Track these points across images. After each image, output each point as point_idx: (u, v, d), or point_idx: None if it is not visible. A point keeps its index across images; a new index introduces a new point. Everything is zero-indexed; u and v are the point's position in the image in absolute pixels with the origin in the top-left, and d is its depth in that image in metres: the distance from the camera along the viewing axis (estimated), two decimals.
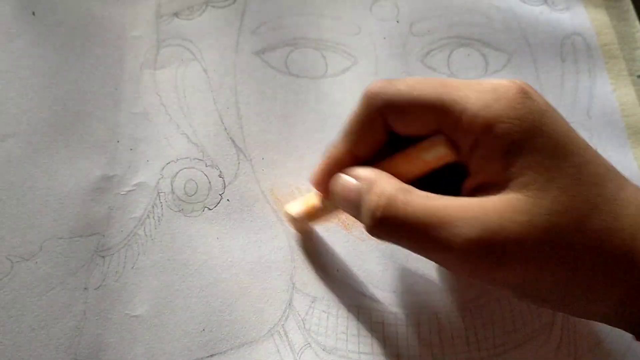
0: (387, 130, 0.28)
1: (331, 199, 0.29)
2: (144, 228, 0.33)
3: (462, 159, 0.26)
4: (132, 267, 0.33)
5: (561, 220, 0.22)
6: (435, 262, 0.26)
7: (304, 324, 0.32)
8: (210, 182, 0.35)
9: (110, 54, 0.38)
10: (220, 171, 0.35)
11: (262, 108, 0.37)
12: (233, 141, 0.36)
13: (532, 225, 0.22)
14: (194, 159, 0.36)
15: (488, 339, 0.32)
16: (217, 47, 0.39)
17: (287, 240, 0.34)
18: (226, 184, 0.35)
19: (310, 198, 0.32)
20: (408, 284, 0.33)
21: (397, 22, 0.41)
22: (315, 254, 0.34)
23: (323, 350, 0.31)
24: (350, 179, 0.27)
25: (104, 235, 0.33)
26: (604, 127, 0.39)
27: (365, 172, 0.27)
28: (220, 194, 0.35)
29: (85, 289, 0.32)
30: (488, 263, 0.23)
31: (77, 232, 0.33)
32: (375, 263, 0.34)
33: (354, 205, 0.27)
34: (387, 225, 0.24)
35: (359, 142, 0.28)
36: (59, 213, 0.33)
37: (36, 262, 0.32)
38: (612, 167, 0.25)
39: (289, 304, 0.32)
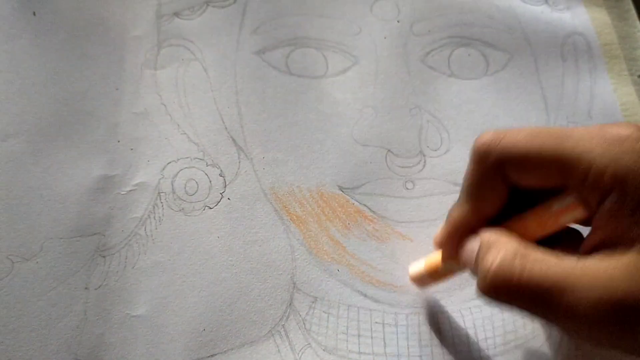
0: (508, 185, 0.26)
1: (456, 261, 0.28)
2: (145, 228, 0.33)
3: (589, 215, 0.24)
4: (133, 267, 0.33)
5: None
6: (557, 327, 0.25)
7: (304, 323, 0.32)
8: (210, 182, 0.35)
9: (110, 53, 0.38)
10: (221, 170, 0.35)
11: (263, 107, 0.37)
12: (234, 140, 0.36)
13: None
14: (195, 158, 0.36)
15: (488, 338, 0.32)
16: (218, 46, 0.39)
17: (288, 239, 0.34)
18: (227, 183, 0.35)
19: (433, 258, 0.31)
20: (408, 284, 0.33)
21: (398, 21, 0.41)
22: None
23: (323, 350, 0.31)
24: (473, 242, 0.26)
25: (104, 235, 0.33)
26: None
27: (486, 233, 0.26)
28: (221, 193, 0.35)
29: (86, 288, 0.32)
30: (618, 330, 0.21)
31: (78, 232, 0.33)
32: (376, 263, 0.34)
33: (473, 267, 0.26)
34: (499, 289, 0.23)
35: (480, 201, 0.26)
36: (60, 213, 0.33)
37: (37, 262, 0.32)
38: None
39: (290, 304, 0.32)
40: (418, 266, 0.31)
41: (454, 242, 0.28)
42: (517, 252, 0.23)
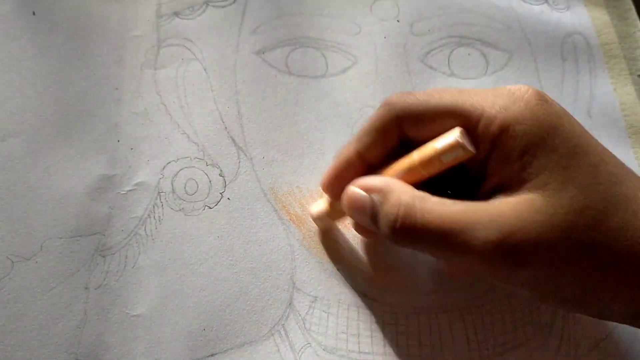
0: (400, 137, 0.28)
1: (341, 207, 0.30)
2: (145, 227, 0.34)
3: (480, 161, 0.26)
4: (133, 267, 0.33)
5: (579, 219, 0.22)
6: (457, 265, 0.27)
7: (304, 323, 0.32)
8: (210, 181, 0.35)
9: (110, 53, 0.38)
10: (221, 170, 0.35)
11: (263, 107, 0.37)
12: (233, 140, 0.36)
13: (550, 225, 0.22)
14: (195, 158, 0.36)
15: (488, 338, 0.32)
16: (218, 46, 0.39)
17: (287, 239, 0.34)
18: (227, 182, 0.35)
19: (326, 202, 0.32)
20: (408, 284, 0.33)
21: (398, 21, 0.41)
22: (325, 250, 0.34)
23: (323, 350, 0.31)
24: (361, 192, 0.27)
25: (104, 235, 0.33)
26: (605, 126, 0.39)
27: (378, 182, 0.27)
28: (220, 193, 0.35)
29: (85, 288, 0.32)
30: (507, 265, 0.23)
31: (78, 232, 0.33)
32: (376, 262, 0.34)
33: (368, 217, 0.27)
34: (407, 234, 0.25)
35: (371, 145, 0.28)
36: (60, 212, 0.33)
37: (37, 262, 0.32)
38: (628, 168, 0.25)
39: (290, 304, 0.32)
40: (317, 206, 0.33)
41: (340, 183, 0.29)
42: (415, 197, 0.25)
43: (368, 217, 0.27)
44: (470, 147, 0.25)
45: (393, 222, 0.25)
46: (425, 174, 0.27)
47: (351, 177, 0.29)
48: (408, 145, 0.28)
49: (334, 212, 0.32)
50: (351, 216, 0.29)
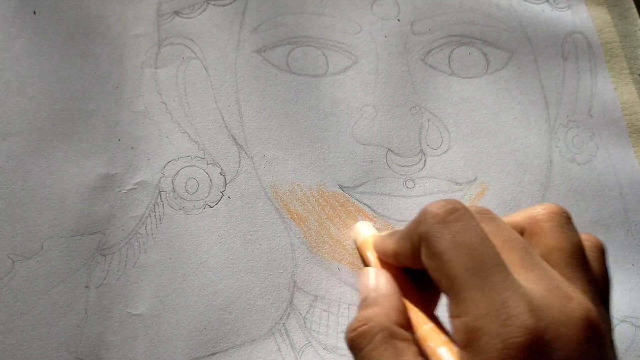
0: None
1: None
2: (145, 226, 0.34)
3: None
4: (134, 266, 0.33)
5: None
6: None
7: (305, 322, 0.32)
8: (211, 180, 0.35)
9: (111, 52, 0.38)
10: (222, 169, 0.35)
11: (263, 106, 0.37)
12: (234, 139, 0.36)
13: None
14: (195, 157, 0.36)
15: None
16: (218, 45, 0.39)
17: (288, 237, 0.34)
18: (227, 181, 0.35)
19: (369, 239, 0.31)
20: None
21: (398, 20, 0.41)
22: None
23: (324, 349, 0.31)
24: (369, 283, 0.27)
25: (105, 234, 0.33)
26: (605, 126, 0.39)
27: (380, 289, 0.26)
28: (221, 192, 0.35)
29: (86, 287, 0.32)
30: None
31: (78, 231, 0.33)
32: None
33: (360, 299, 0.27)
34: (350, 348, 0.24)
35: (404, 253, 0.26)
36: (60, 212, 0.33)
37: (37, 261, 0.32)
38: None
39: (290, 303, 0.32)
40: (363, 230, 0.32)
41: (375, 255, 0.28)
42: (387, 329, 0.24)
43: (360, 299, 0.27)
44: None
45: (349, 329, 0.24)
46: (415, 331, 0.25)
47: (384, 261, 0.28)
48: None
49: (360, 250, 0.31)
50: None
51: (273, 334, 0.32)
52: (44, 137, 0.35)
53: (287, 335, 0.32)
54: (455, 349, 0.22)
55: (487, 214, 0.24)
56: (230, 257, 0.33)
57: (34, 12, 0.38)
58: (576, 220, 0.36)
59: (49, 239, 0.33)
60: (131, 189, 0.34)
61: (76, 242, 0.33)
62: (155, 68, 0.38)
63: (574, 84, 0.40)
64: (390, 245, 0.27)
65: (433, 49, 0.40)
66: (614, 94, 0.40)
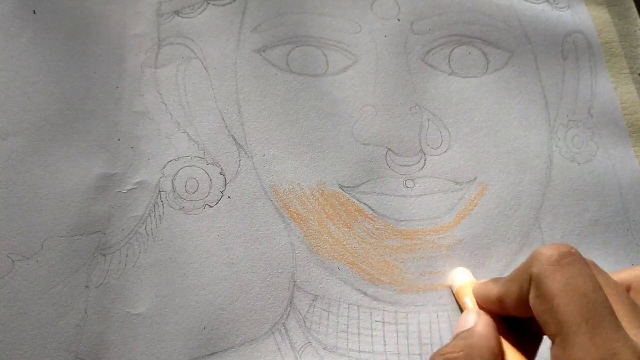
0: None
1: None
2: (145, 226, 0.34)
3: None
4: (133, 266, 0.33)
5: None
6: None
7: (304, 322, 0.32)
8: (211, 180, 0.35)
9: (111, 52, 0.38)
10: (221, 169, 0.35)
11: (263, 105, 0.37)
12: (234, 139, 0.36)
13: None
14: (195, 156, 0.36)
15: None
16: (218, 45, 0.39)
17: (288, 237, 0.34)
18: (227, 181, 0.35)
19: (469, 288, 0.31)
20: (408, 283, 0.33)
21: (398, 20, 0.41)
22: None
23: (324, 348, 0.31)
24: (468, 322, 0.27)
25: (105, 234, 0.33)
26: (605, 125, 0.39)
27: (479, 328, 0.26)
28: (221, 192, 0.35)
29: (86, 287, 0.32)
30: None
31: (78, 231, 0.33)
32: (376, 262, 0.34)
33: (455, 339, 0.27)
34: None
35: (510, 296, 0.26)
36: (60, 211, 0.33)
37: (37, 261, 0.32)
38: None
39: (290, 302, 0.32)
40: (461, 278, 0.32)
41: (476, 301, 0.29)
42: None
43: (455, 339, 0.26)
44: None
45: (441, 352, 0.24)
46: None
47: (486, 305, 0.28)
48: None
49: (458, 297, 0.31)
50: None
51: (273, 333, 0.32)
52: (44, 137, 0.35)
53: (287, 334, 0.32)
54: None
55: (596, 265, 0.24)
56: (230, 256, 0.33)
57: (34, 12, 0.38)
58: (576, 220, 0.37)
59: (49, 238, 0.33)
60: (131, 189, 0.34)
61: (76, 241, 0.33)
62: (155, 68, 0.38)
63: (573, 84, 0.40)
64: (495, 289, 0.27)
65: (433, 48, 0.40)
66: (614, 93, 0.40)
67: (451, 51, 0.40)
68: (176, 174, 0.35)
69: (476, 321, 0.26)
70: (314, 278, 0.33)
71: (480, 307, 0.28)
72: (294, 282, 0.33)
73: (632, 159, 0.38)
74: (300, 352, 0.31)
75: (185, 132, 0.36)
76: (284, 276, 0.33)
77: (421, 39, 0.40)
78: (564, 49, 0.41)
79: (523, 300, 0.24)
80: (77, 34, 0.38)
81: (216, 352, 0.31)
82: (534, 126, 0.39)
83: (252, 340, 0.31)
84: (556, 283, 0.22)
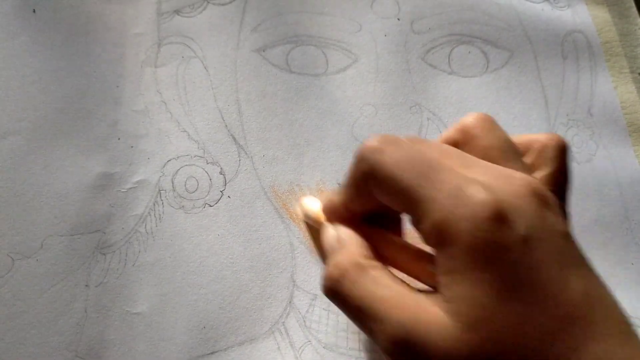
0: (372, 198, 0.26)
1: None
2: (145, 225, 0.34)
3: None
4: (133, 265, 0.33)
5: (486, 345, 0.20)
6: None
7: (304, 321, 0.32)
8: (211, 179, 0.35)
9: (111, 51, 0.38)
10: (221, 168, 0.35)
11: (263, 105, 0.37)
12: (234, 138, 0.36)
13: (452, 337, 0.20)
14: (195, 156, 0.36)
15: None
16: (218, 44, 0.39)
17: (288, 237, 0.34)
18: (227, 180, 0.35)
19: (317, 210, 0.30)
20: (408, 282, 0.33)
21: (398, 19, 0.41)
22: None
23: (324, 347, 0.31)
24: (329, 236, 0.27)
25: (104, 233, 0.33)
26: (605, 125, 0.39)
27: (342, 234, 0.26)
28: (221, 191, 0.35)
29: (86, 286, 0.32)
30: None
31: (78, 230, 0.33)
32: None
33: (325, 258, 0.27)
34: (330, 295, 0.24)
35: (353, 199, 0.27)
36: (60, 210, 0.33)
37: (37, 260, 0.32)
38: (604, 313, 0.21)
39: (290, 302, 0.32)
40: (310, 205, 0.31)
41: (328, 219, 0.28)
42: (356, 265, 0.24)
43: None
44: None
45: (324, 278, 0.24)
46: (387, 262, 0.26)
47: (339, 218, 0.28)
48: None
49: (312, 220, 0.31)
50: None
51: (273, 332, 0.32)
52: (44, 136, 0.35)
53: (287, 334, 0.32)
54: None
55: (416, 137, 0.26)
56: (230, 256, 0.33)
57: (34, 11, 0.38)
58: (576, 219, 0.37)
59: (49, 237, 0.33)
60: (131, 188, 0.34)
61: (76, 240, 0.33)
62: (155, 67, 0.38)
63: (573, 83, 0.40)
64: (337, 199, 0.28)
65: (433, 47, 0.40)
66: (614, 92, 0.40)
67: (451, 50, 0.40)
68: (176, 173, 0.35)
69: (335, 231, 0.27)
70: (313, 277, 0.33)
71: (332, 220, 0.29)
72: (294, 281, 0.33)
73: (632, 158, 0.38)
74: (300, 351, 0.31)
75: (185, 131, 0.36)
76: (283, 276, 0.33)
77: (421, 38, 0.40)
78: (564, 48, 0.41)
79: (364, 196, 0.25)
80: (77, 33, 0.39)
81: (216, 352, 0.31)
82: (534, 125, 0.39)
83: (252, 339, 0.31)
84: (386, 164, 0.23)
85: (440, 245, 0.21)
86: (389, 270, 0.24)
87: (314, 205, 0.31)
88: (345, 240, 0.26)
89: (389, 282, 0.23)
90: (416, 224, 0.23)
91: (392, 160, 0.23)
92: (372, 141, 0.24)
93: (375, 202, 0.25)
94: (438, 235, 0.21)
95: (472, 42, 0.41)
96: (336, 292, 0.24)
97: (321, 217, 0.30)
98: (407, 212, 0.23)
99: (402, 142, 0.24)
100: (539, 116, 0.39)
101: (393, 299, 0.23)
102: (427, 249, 0.23)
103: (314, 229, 0.31)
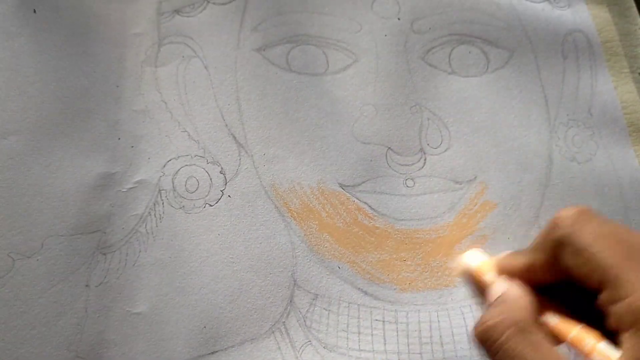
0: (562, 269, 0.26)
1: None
2: (145, 225, 0.34)
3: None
4: (134, 265, 0.33)
5: None
6: None
7: (305, 321, 0.32)
8: (211, 179, 0.35)
9: (111, 51, 0.38)
10: (222, 168, 0.35)
11: (263, 104, 0.37)
12: (234, 137, 0.36)
13: None
14: (195, 155, 0.36)
15: None
16: (218, 44, 0.39)
17: (288, 236, 0.34)
18: (227, 180, 0.35)
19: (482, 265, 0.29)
20: (408, 282, 0.33)
21: (399, 19, 0.41)
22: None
23: (324, 347, 0.31)
24: (499, 290, 0.26)
25: (105, 233, 0.33)
26: (606, 125, 0.39)
27: (512, 288, 0.26)
28: (221, 191, 0.35)
29: (86, 286, 0.32)
30: None
31: (79, 230, 0.33)
32: (376, 260, 0.34)
33: (482, 295, 0.27)
34: (483, 342, 0.24)
35: (537, 265, 0.26)
36: (60, 210, 0.33)
37: (37, 260, 0.32)
38: None
39: (290, 301, 0.32)
40: (474, 259, 0.29)
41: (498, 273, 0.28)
42: (519, 324, 0.24)
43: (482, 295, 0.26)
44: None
45: (481, 324, 0.24)
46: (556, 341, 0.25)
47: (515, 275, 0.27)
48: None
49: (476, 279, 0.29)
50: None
51: (273, 332, 0.32)
52: (44, 136, 0.35)
53: (287, 333, 0.32)
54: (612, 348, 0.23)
55: (613, 221, 0.25)
56: (230, 255, 0.33)
57: (34, 11, 0.38)
58: None
59: (49, 237, 0.33)
60: (131, 188, 0.34)
61: (76, 240, 0.33)
62: (156, 67, 0.38)
63: (574, 83, 0.40)
64: (520, 260, 0.27)
65: (433, 47, 0.40)
66: (614, 92, 0.40)
67: (451, 50, 0.40)
68: (176, 172, 0.35)
69: (507, 287, 0.26)
70: (314, 277, 0.33)
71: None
72: (294, 281, 0.33)
73: (632, 158, 0.38)
74: (301, 351, 0.31)
75: (185, 131, 0.36)
76: (284, 275, 0.33)
77: (421, 38, 0.40)
78: (564, 48, 0.41)
79: (551, 266, 0.25)
80: (77, 33, 0.38)
81: (216, 351, 0.31)
82: (534, 125, 0.39)
83: (252, 339, 0.31)
84: (587, 234, 0.23)
85: (632, 328, 0.21)
86: (550, 341, 0.24)
87: (479, 257, 0.30)
88: (512, 298, 0.25)
89: (549, 350, 0.23)
90: (608, 302, 0.22)
91: (594, 232, 0.23)
92: (570, 211, 0.24)
93: (556, 275, 0.25)
94: (633, 319, 0.21)
95: (472, 42, 0.41)
96: (487, 341, 0.24)
97: (486, 271, 0.28)
98: (602, 288, 0.23)
99: (601, 216, 0.24)
100: (539, 116, 0.39)
101: None
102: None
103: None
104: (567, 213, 0.25)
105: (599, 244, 0.23)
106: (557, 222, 0.25)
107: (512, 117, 0.39)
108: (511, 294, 0.26)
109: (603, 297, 0.23)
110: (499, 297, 0.26)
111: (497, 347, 0.23)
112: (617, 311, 0.22)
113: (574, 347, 0.24)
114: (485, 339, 0.24)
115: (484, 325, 0.24)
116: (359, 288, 0.33)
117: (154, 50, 0.39)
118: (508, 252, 0.28)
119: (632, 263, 0.22)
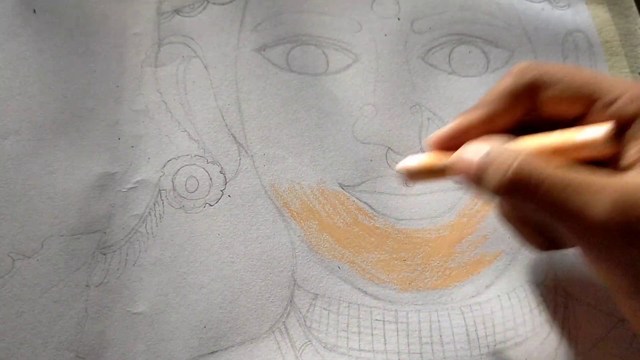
0: (528, 109, 0.26)
1: (451, 163, 0.26)
2: (146, 225, 0.34)
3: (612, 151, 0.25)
4: (134, 265, 0.33)
5: None
6: (565, 232, 0.24)
7: (305, 320, 0.32)
8: (211, 179, 0.35)
9: (111, 51, 0.38)
10: (222, 167, 0.35)
11: (263, 104, 0.37)
12: (234, 137, 0.36)
13: None
14: (195, 155, 0.36)
15: (489, 336, 0.32)
16: (218, 43, 0.39)
17: (288, 236, 0.34)
18: (227, 180, 0.35)
19: (427, 157, 0.28)
20: (408, 282, 0.33)
21: (399, 19, 0.41)
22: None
23: (324, 347, 0.31)
24: (479, 145, 0.25)
25: (105, 233, 0.33)
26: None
27: (499, 137, 0.26)
28: (221, 190, 0.35)
29: (86, 286, 0.32)
30: (622, 239, 0.21)
31: (79, 230, 0.33)
32: (377, 259, 0.34)
33: (473, 172, 0.25)
34: (516, 185, 0.23)
35: (498, 112, 0.26)
36: (61, 210, 0.33)
37: (38, 260, 0.32)
38: None
39: (290, 301, 0.32)
40: (411, 161, 0.29)
41: (454, 143, 0.27)
42: (536, 154, 0.23)
43: (473, 172, 0.25)
44: (614, 144, 0.23)
45: (504, 170, 0.23)
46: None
47: (469, 138, 0.27)
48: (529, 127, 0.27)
49: (433, 171, 0.28)
50: (460, 169, 0.26)
51: (273, 332, 0.32)
52: (44, 136, 0.35)
53: (287, 333, 0.32)
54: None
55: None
56: (230, 255, 0.33)
57: (34, 11, 0.38)
58: None
59: (50, 237, 0.33)
60: (131, 188, 0.34)
61: (76, 240, 0.33)
62: (155, 67, 0.38)
63: None
64: (478, 114, 0.27)
65: (433, 47, 0.40)
66: None
67: (451, 50, 0.40)
68: (176, 172, 0.35)
69: (485, 142, 0.25)
70: (314, 277, 0.33)
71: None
72: (294, 280, 0.33)
73: None
74: (301, 350, 0.31)
75: (185, 131, 0.36)
76: (284, 275, 0.33)
77: (421, 38, 0.40)
78: (565, 48, 0.41)
79: (510, 111, 0.27)
80: (77, 32, 0.38)
81: (216, 351, 0.31)
82: None
83: (252, 339, 0.31)
84: (555, 69, 0.27)
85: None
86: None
87: (413, 162, 0.29)
88: (506, 143, 0.25)
89: (574, 167, 0.23)
90: (606, 106, 0.24)
91: (559, 67, 0.26)
92: (523, 62, 0.27)
93: (515, 117, 0.26)
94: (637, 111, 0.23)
95: (472, 41, 0.41)
96: (522, 178, 0.23)
97: (434, 158, 0.27)
98: (596, 98, 0.25)
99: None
100: None
101: (596, 177, 0.22)
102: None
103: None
104: (522, 64, 0.27)
105: (571, 72, 0.25)
106: (516, 72, 0.27)
107: None
108: (496, 142, 0.25)
109: (598, 105, 0.24)
110: (495, 148, 0.24)
111: (536, 181, 0.22)
112: (620, 106, 0.24)
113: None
114: (521, 181, 0.23)
115: (513, 167, 0.23)
116: (359, 288, 0.33)
117: (154, 50, 0.39)
118: (448, 126, 0.28)
119: (599, 78, 0.25)
